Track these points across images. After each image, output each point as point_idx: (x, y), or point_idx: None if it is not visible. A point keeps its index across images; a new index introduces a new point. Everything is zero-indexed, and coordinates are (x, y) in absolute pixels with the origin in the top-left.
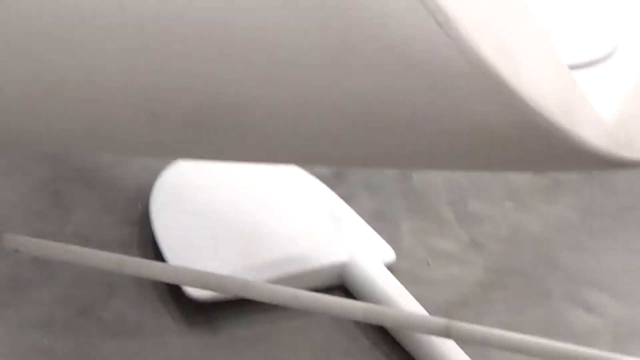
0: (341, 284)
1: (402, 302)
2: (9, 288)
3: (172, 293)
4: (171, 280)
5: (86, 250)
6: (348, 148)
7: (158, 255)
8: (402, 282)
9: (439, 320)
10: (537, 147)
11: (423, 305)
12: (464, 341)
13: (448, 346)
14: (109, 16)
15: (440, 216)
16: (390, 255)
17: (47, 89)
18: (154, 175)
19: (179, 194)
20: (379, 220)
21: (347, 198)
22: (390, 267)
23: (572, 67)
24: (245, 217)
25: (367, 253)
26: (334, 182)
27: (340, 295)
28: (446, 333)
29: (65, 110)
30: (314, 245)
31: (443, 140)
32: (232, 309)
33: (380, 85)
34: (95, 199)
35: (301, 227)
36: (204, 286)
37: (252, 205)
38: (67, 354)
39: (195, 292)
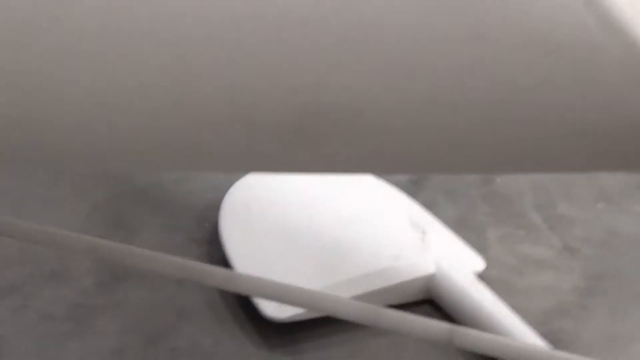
0: (429, 298)
1: (497, 314)
2: (72, 317)
3: (249, 315)
4: (248, 291)
5: (151, 253)
6: (466, 152)
7: None
8: (493, 292)
9: (442, 326)
10: None
11: (519, 316)
12: (468, 349)
13: None
14: (204, 11)
15: (529, 221)
16: (479, 264)
17: (126, 97)
18: (221, 192)
19: (249, 210)
20: (463, 228)
21: (428, 206)
22: (480, 277)
23: None
24: (323, 231)
25: (455, 263)
26: (412, 190)
27: (429, 310)
28: (448, 340)
29: (145, 121)
30: (399, 259)
31: (584, 138)
32: (314, 329)
33: (516, 77)
34: (160, 218)
35: (383, 240)
36: (287, 301)
37: (329, 218)
38: None
39: (274, 312)
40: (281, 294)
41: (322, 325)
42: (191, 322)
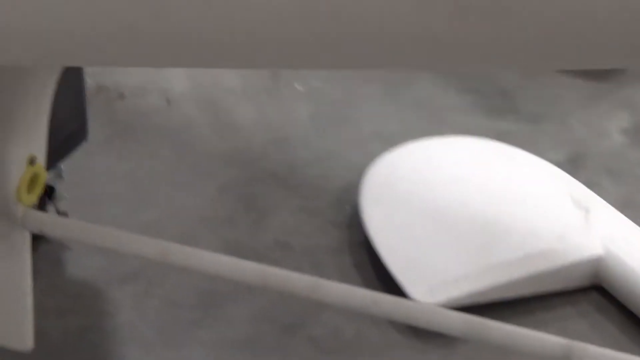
0: (597, 283)
1: None
2: (202, 305)
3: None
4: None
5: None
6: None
7: (374, 262)
8: None
9: (559, 342)
10: None
11: None
12: None
13: None
14: None
15: None
16: None
17: None
18: (357, 174)
19: (392, 190)
20: (630, 209)
21: (589, 186)
22: None
23: None
24: (476, 210)
25: (626, 244)
26: (570, 169)
27: (597, 297)
28: (566, 357)
29: None
30: (562, 239)
31: None
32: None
33: None
34: (295, 200)
35: (543, 219)
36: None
37: (482, 197)
38: None
39: (424, 296)
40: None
41: (476, 312)
42: (332, 310)
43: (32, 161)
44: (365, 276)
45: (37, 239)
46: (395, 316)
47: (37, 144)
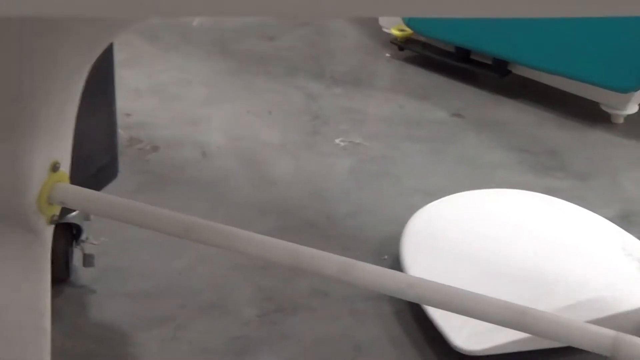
0: None
1: None
2: (232, 351)
3: (437, 349)
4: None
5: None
6: None
7: (414, 311)
8: None
9: (607, 334)
10: None
11: None
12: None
13: None
14: None
15: None
16: None
17: None
18: (397, 225)
19: (435, 239)
20: None
21: None
22: None
23: None
24: (522, 260)
25: None
26: (620, 226)
27: None
28: (613, 350)
29: None
30: (613, 288)
31: None
32: None
33: None
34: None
35: (594, 269)
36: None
37: (530, 247)
38: None
39: (465, 343)
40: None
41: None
42: (370, 357)
43: (55, 168)
44: (404, 324)
45: (60, 282)
46: (428, 300)
47: (61, 150)
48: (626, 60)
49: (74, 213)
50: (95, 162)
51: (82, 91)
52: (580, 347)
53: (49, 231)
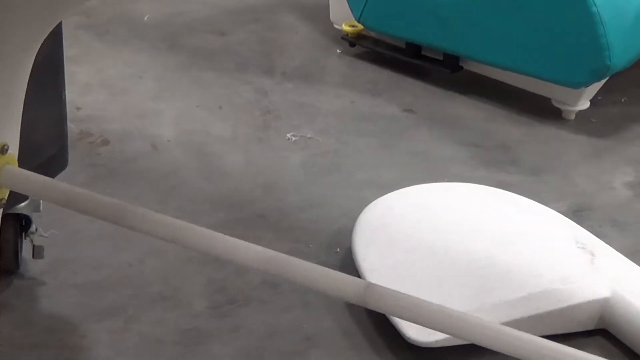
0: (603, 327)
1: None
2: (184, 342)
3: (389, 341)
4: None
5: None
6: None
7: None
8: None
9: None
10: None
11: None
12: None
13: None
14: None
15: None
16: None
17: None
18: (350, 219)
19: (387, 232)
20: (637, 258)
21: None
22: None
23: None
24: (475, 252)
25: (633, 287)
26: (573, 220)
27: (602, 342)
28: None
29: None
30: (566, 280)
31: None
32: (464, 356)
33: None
34: (283, 243)
35: (547, 262)
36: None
37: (483, 238)
38: None
39: (418, 335)
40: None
41: (475, 351)
42: (321, 348)
43: (3, 150)
44: (356, 316)
45: (9, 274)
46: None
47: (9, 132)
48: (577, 55)
49: (23, 203)
50: (44, 152)
51: (30, 76)
52: (333, 295)
53: None
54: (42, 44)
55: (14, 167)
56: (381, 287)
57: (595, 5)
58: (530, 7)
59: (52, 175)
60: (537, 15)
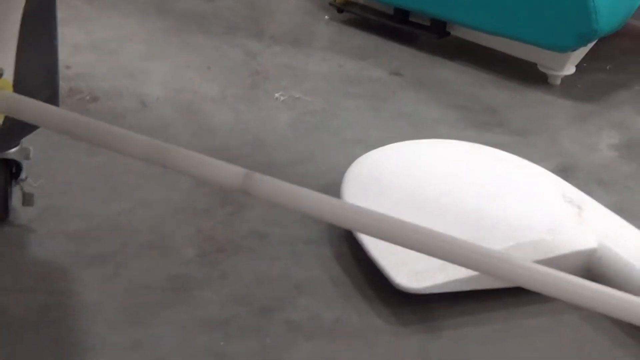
0: (589, 278)
1: None
2: (172, 288)
3: (378, 288)
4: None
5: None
6: None
7: (355, 253)
8: None
9: (239, 171)
10: None
11: None
12: (262, 197)
13: None
14: None
15: None
16: None
17: None
18: (339, 174)
19: (376, 185)
20: (622, 215)
21: None
22: None
23: None
24: (464, 203)
25: (620, 238)
26: (561, 177)
27: None
28: (244, 185)
29: None
30: (554, 231)
31: None
32: (453, 304)
33: None
34: None
35: (535, 213)
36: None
37: (472, 191)
38: (249, 357)
39: (408, 282)
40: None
41: (462, 301)
42: (310, 295)
43: None
44: (345, 265)
45: None
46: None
47: (4, 57)
48: (565, 19)
49: (13, 149)
50: (36, 95)
51: (23, 21)
52: (215, 182)
53: None
54: None
55: (9, 92)
56: (262, 175)
57: None
58: None
59: None
60: None
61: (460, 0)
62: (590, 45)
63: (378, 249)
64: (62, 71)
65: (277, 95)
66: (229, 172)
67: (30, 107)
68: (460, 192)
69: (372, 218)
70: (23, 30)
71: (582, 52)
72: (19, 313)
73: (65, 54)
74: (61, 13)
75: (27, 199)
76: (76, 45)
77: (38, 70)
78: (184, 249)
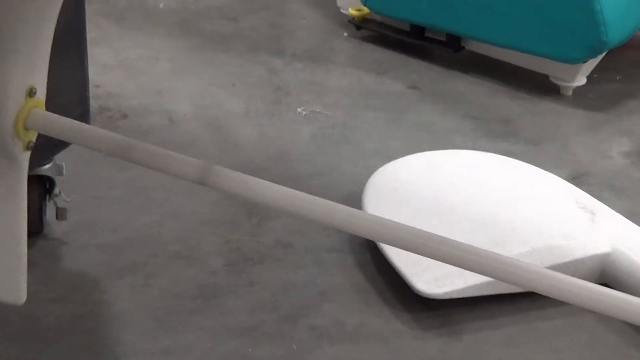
0: (603, 282)
1: None
2: (202, 296)
3: (399, 295)
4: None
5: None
6: None
7: (377, 261)
8: None
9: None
10: None
11: None
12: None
13: None
14: None
15: None
16: None
17: None
18: (359, 185)
19: (396, 194)
20: (634, 219)
21: None
22: None
23: None
24: (483, 210)
25: (634, 243)
26: (573, 184)
27: None
28: (201, 178)
29: None
30: (568, 236)
31: None
32: (472, 308)
33: None
34: None
35: (550, 219)
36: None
37: (490, 198)
38: None
39: (427, 288)
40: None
41: (481, 305)
42: (334, 302)
43: (32, 93)
44: (367, 273)
45: (34, 235)
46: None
47: (38, 75)
48: (575, 31)
49: (47, 165)
50: (67, 114)
51: (54, 40)
52: (175, 175)
53: (25, 157)
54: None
55: (41, 110)
56: (221, 168)
57: None
58: None
59: None
60: None
61: (474, 16)
62: (600, 57)
63: (399, 257)
64: (91, 90)
65: (299, 109)
66: (188, 165)
67: (62, 126)
68: (476, 200)
69: (322, 206)
70: (54, 49)
71: (592, 63)
72: (52, 322)
73: (94, 73)
74: (91, 33)
75: (61, 214)
76: (105, 64)
77: (69, 89)
78: (212, 259)
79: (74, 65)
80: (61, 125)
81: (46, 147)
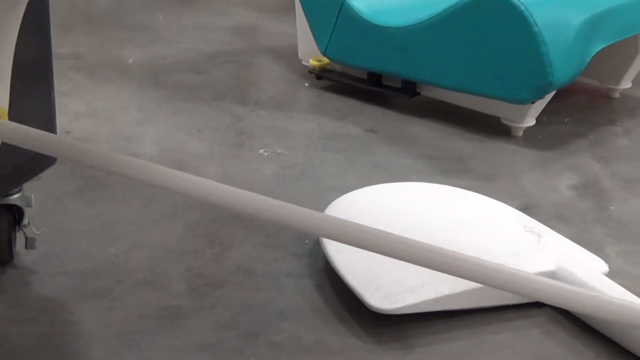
0: None
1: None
2: (165, 317)
3: (354, 313)
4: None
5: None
6: None
7: (334, 284)
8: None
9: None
10: None
11: None
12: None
13: None
14: None
15: None
16: (602, 266)
17: None
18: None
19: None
20: (580, 245)
21: None
22: None
23: None
24: (434, 234)
25: (578, 262)
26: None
27: (549, 312)
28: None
29: None
30: (516, 256)
31: None
32: (425, 324)
33: None
34: (257, 237)
35: (498, 241)
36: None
37: (440, 224)
38: None
39: (380, 303)
40: None
41: (433, 321)
42: (292, 320)
43: None
44: (324, 295)
45: (3, 264)
46: None
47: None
48: (522, 73)
49: (15, 195)
50: None
51: (20, 72)
52: (124, 176)
53: None
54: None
55: (4, 120)
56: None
57: (537, 25)
58: (478, 31)
59: (40, 170)
60: (484, 38)
61: (428, 62)
62: (548, 98)
63: (354, 276)
64: (61, 135)
65: (261, 151)
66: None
67: (25, 135)
68: (428, 226)
69: (285, 208)
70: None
71: (540, 105)
72: (21, 341)
73: (65, 121)
74: (62, 86)
75: (30, 243)
76: (76, 113)
77: (35, 121)
78: (175, 284)
79: (41, 98)
80: (24, 133)
81: (13, 176)
